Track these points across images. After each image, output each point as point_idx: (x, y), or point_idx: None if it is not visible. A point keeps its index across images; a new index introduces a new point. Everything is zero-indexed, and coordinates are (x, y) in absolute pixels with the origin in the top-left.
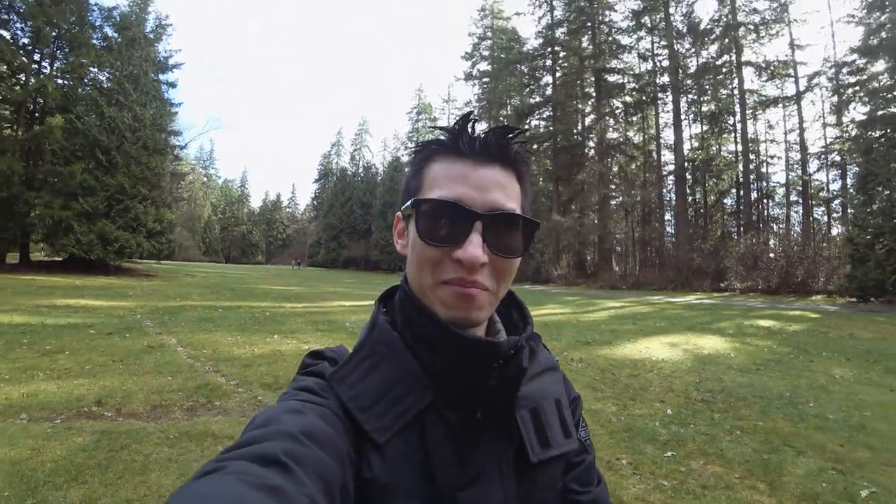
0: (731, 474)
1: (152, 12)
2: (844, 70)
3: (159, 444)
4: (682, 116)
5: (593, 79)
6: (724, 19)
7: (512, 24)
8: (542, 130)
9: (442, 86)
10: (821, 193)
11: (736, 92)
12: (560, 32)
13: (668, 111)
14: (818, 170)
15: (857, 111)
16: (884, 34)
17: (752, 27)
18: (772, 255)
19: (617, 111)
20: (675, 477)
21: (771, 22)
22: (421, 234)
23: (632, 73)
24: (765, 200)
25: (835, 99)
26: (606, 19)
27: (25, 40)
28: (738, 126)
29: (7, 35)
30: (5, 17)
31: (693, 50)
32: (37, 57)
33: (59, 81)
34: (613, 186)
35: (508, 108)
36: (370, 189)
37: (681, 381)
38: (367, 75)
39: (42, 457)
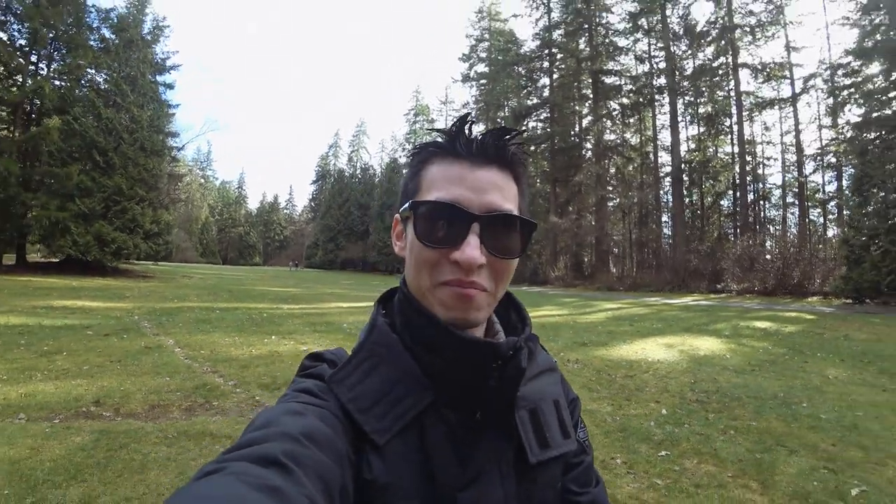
0: (724, 473)
1: (149, 14)
2: (840, 72)
3: (158, 443)
4: (679, 118)
5: (590, 80)
6: (721, 21)
7: (509, 25)
8: (539, 132)
9: (439, 87)
10: (817, 195)
11: (732, 94)
12: (557, 34)
13: (664, 113)
14: (814, 171)
15: (853, 113)
16: (878, 36)
17: (748, 29)
18: (768, 256)
19: (614, 113)
20: (669, 476)
21: (767, 24)
22: (419, 236)
23: (629, 74)
24: (761, 202)
25: (830, 101)
26: (603, 21)
27: (22, 42)
28: (735, 128)
29: (4, 36)
30: (2, 18)
31: (690, 52)
32: (34, 58)
33: (57, 83)
34: (611, 188)
35: (506, 109)
36: (368, 190)
37: (676, 381)
38: (365, 77)
39: (41, 456)
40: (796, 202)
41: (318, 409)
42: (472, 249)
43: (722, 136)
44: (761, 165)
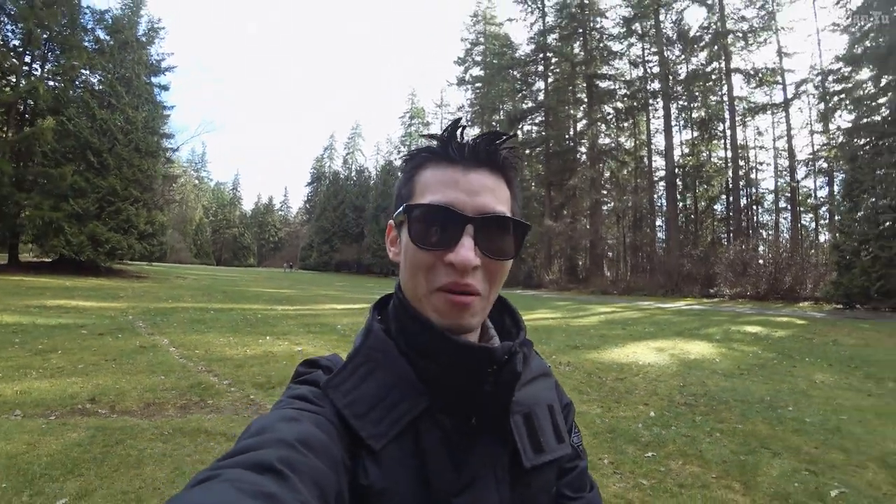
0: (709, 474)
1: (144, 15)
2: (830, 78)
3: (153, 439)
4: (673, 122)
5: (585, 84)
6: (714, 27)
7: (504, 29)
8: (534, 135)
9: (436, 90)
10: (808, 200)
11: (725, 99)
12: (552, 38)
13: (658, 117)
14: (806, 176)
15: (843, 119)
16: (867, 42)
17: (740, 35)
18: (761, 261)
19: (608, 117)
20: (654, 476)
21: (759, 30)
22: (413, 239)
23: (623, 79)
24: (754, 207)
25: (821, 106)
26: (598, 26)
27: (16, 42)
28: (728, 132)
29: None
30: None
31: (683, 57)
32: (28, 59)
33: (51, 83)
34: (605, 192)
35: (501, 113)
36: (363, 193)
37: (665, 384)
38: (364, 78)
39: (38, 451)
40: (788, 207)
41: (314, 415)
42: (466, 251)
43: (715, 141)
44: (754, 170)
